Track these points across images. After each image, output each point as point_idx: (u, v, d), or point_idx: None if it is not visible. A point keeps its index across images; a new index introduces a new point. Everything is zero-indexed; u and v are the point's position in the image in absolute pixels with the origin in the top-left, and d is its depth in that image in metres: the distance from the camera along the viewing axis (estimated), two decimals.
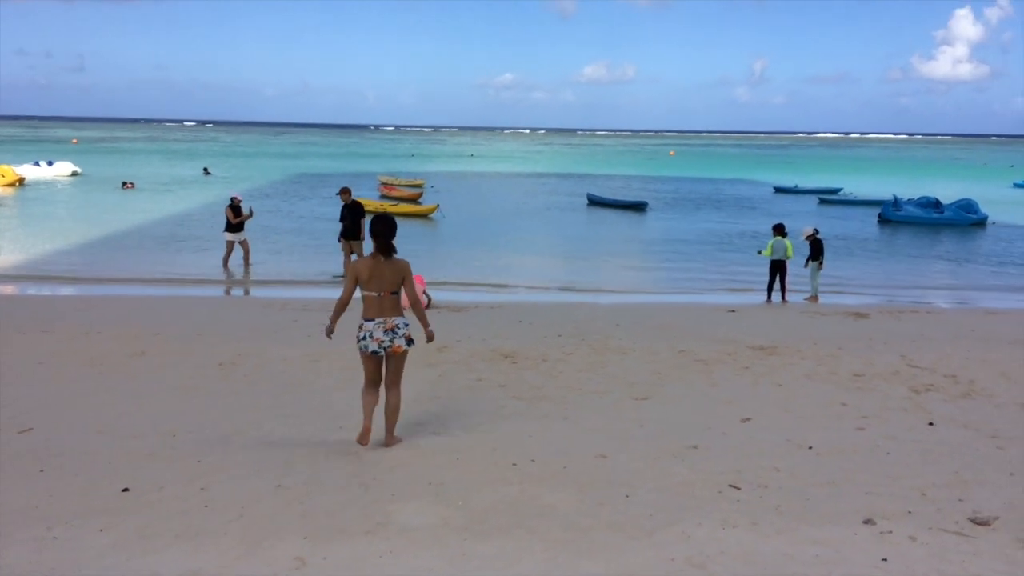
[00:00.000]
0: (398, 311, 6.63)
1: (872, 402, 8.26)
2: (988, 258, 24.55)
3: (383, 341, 6.54)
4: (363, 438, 6.66)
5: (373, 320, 6.54)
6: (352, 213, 17.35)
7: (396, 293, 6.58)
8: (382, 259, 6.51)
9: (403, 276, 6.57)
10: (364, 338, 6.57)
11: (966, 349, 10.71)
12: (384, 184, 44.24)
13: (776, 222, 16.56)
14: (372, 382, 6.76)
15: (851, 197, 41.82)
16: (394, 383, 6.76)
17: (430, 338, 6.79)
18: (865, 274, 20.83)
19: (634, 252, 24.88)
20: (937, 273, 21.74)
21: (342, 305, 6.66)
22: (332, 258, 19.30)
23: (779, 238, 15.82)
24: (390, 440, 6.82)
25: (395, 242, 6.62)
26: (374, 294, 6.51)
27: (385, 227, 6.55)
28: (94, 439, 6.85)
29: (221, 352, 10.06)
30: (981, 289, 19.18)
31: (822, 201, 41.15)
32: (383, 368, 6.74)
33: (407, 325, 6.68)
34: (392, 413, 6.79)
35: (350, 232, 17.34)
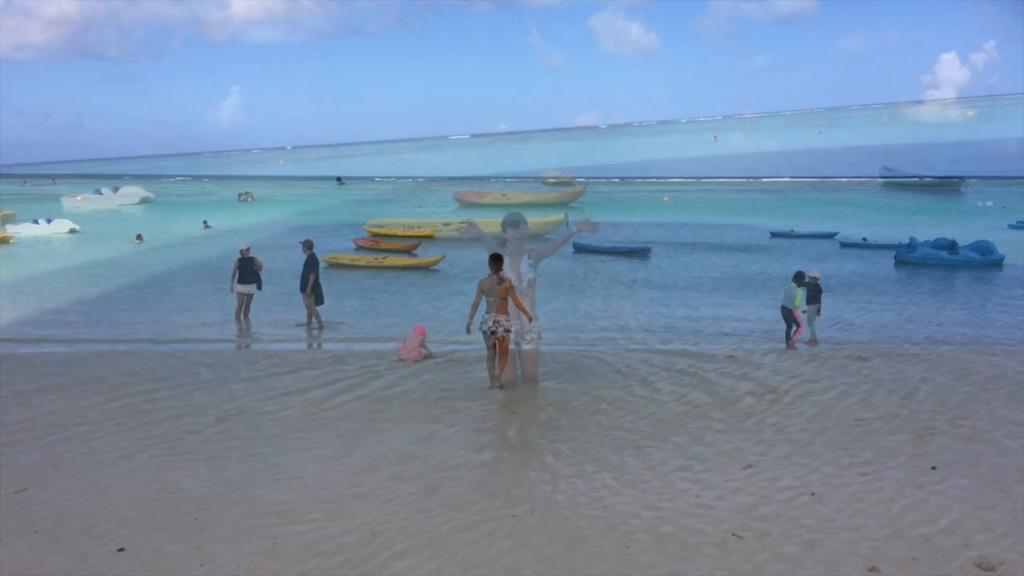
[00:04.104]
0: (505, 311, 10.54)
1: (874, 447, 8.20)
2: (1000, 298, 24.44)
3: (492, 327, 10.49)
4: (493, 385, 10.75)
5: (490, 314, 10.57)
6: (305, 264, 17.36)
7: (504, 299, 10.48)
8: (495, 277, 10.51)
9: (507, 288, 10.50)
10: (482, 324, 10.58)
11: (968, 392, 10.67)
12: (371, 234, 38.03)
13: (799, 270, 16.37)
14: (491, 356, 10.75)
15: (870, 241, 42.06)
16: (508, 359, 10.82)
17: (529, 319, 10.72)
18: (876, 315, 20.78)
19: (632, 297, 24.90)
20: (946, 314, 21.61)
21: (473, 309, 10.77)
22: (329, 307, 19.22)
23: (790, 285, 15.74)
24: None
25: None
26: (491, 299, 10.55)
27: (499, 259, 10.69)
28: (89, 499, 6.78)
29: (218, 408, 10.02)
30: (988, 329, 19.04)
31: (843, 245, 41.61)
32: (497, 350, 10.61)
33: (509, 321, 10.56)
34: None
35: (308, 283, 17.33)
